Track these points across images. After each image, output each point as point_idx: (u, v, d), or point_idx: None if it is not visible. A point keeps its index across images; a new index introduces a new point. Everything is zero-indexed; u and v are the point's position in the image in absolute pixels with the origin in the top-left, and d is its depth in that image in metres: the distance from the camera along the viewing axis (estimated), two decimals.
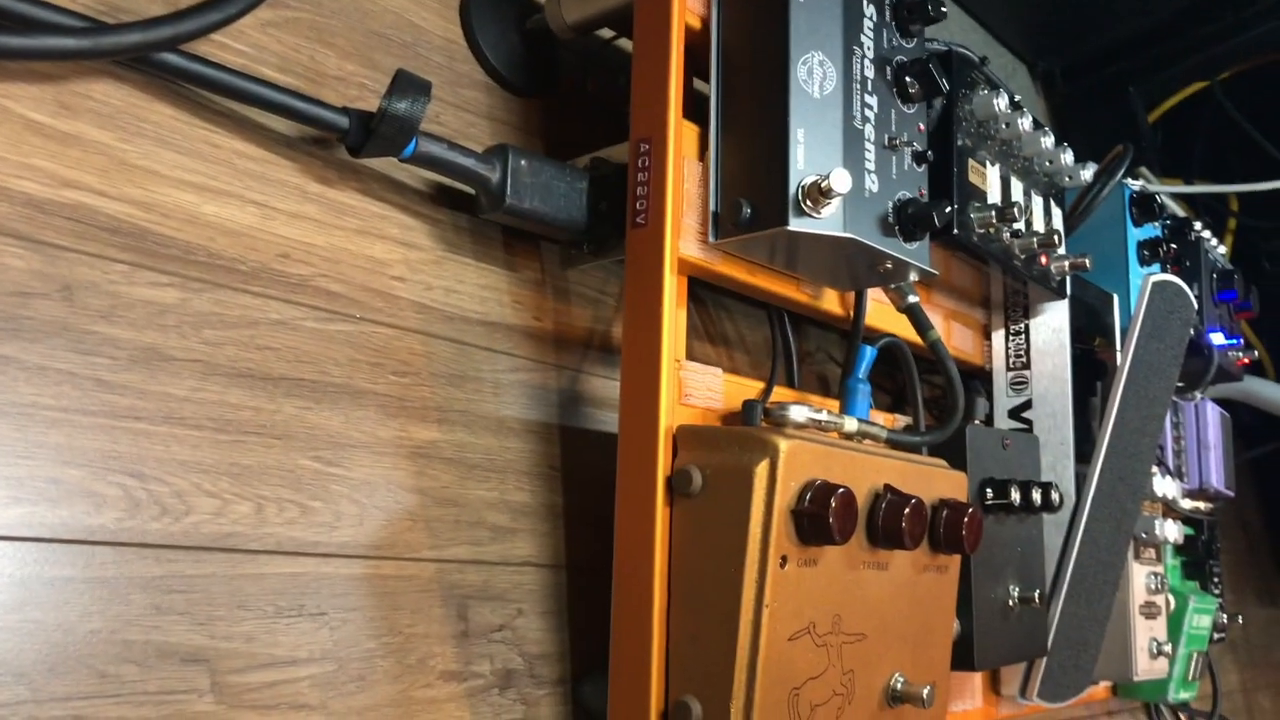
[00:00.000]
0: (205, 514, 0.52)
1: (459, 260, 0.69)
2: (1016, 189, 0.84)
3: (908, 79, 0.70)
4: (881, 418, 0.83)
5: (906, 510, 0.65)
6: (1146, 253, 1.07)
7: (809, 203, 0.63)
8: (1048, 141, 0.84)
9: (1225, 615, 1.25)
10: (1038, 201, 0.88)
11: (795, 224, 0.63)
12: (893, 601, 0.68)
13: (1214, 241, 1.26)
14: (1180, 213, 1.27)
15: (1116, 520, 0.93)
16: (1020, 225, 0.83)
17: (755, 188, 0.65)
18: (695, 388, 0.65)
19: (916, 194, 0.71)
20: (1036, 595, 0.81)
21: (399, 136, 0.60)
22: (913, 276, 0.73)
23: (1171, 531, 1.03)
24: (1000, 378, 0.95)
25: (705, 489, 0.61)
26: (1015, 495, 0.79)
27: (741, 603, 0.58)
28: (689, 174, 0.66)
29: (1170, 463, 1.14)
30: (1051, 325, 0.93)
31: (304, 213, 0.61)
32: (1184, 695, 1.12)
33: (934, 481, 0.71)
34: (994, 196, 0.81)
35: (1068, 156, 0.87)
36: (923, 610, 0.71)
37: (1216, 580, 1.25)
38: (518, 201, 0.65)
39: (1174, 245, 1.09)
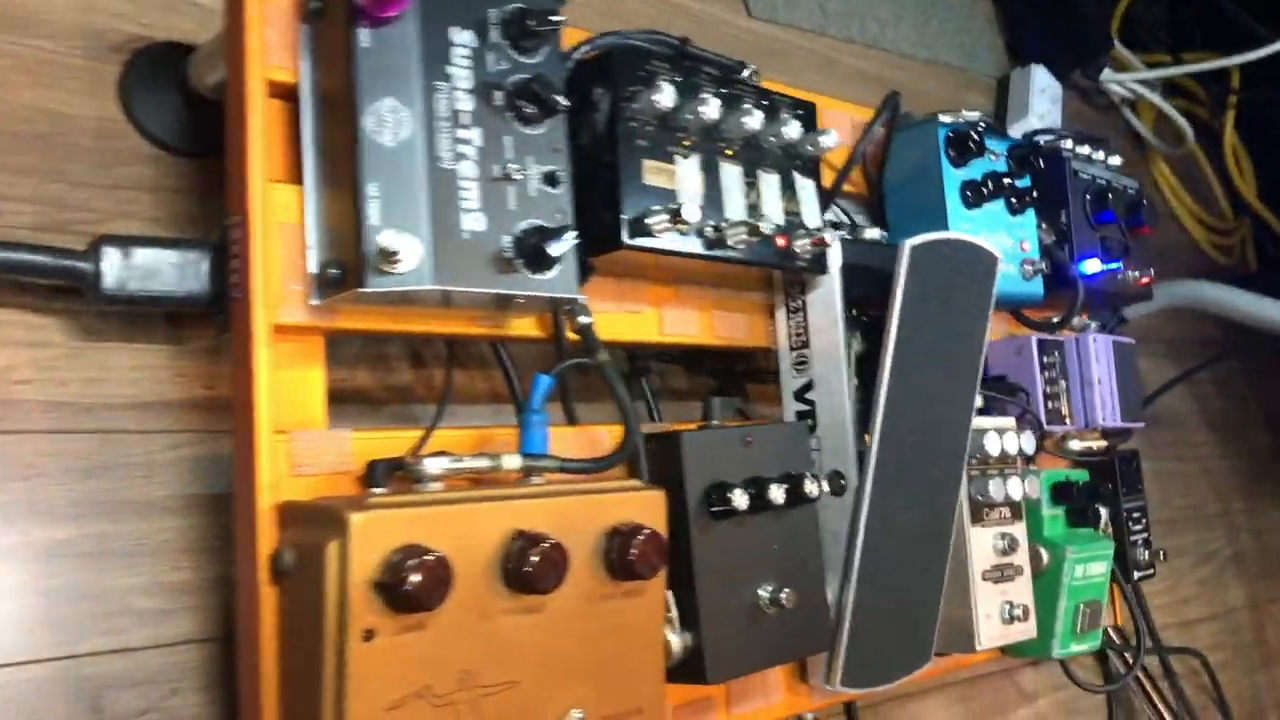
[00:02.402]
0: None
1: (103, 347, 0.70)
2: (730, 175, 0.80)
3: (520, 101, 0.67)
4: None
5: (535, 556, 0.63)
6: (970, 194, 0.99)
7: (384, 261, 0.61)
8: (752, 120, 0.79)
9: (1148, 551, 1.18)
10: (770, 180, 0.83)
11: (373, 283, 0.62)
12: (556, 640, 0.67)
13: (1099, 155, 1.16)
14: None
15: (922, 493, 0.89)
16: (736, 214, 0.79)
17: (340, 248, 0.64)
18: (311, 456, 0.65)
19: (554, 218, 0.68)
20: (784, 596, 0.78)
21: None
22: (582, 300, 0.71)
23: (1015, 489, 0.97)
24: (785, 359, 0.91)
25: (297, 568, 0.61)
26: (740, 498, 0.76)
27: (323, 682, 0.58)
28: (289, 239, 0.65)
29: (1041, 409, 1.07)
30: (824, 300, 0.88)
31: None
32: (1077, 648, 1.06)
33: (607, 509, 0.69)
34: (692, 190, 0.77)
35: (791, 128, 0.82)
36: (609, 640, 0.70)
37: (1138, 516, 1.18)
38: (118, 290, 0.65)
39: (1008, 180, 1.01)
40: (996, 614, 0.97)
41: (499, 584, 0.64)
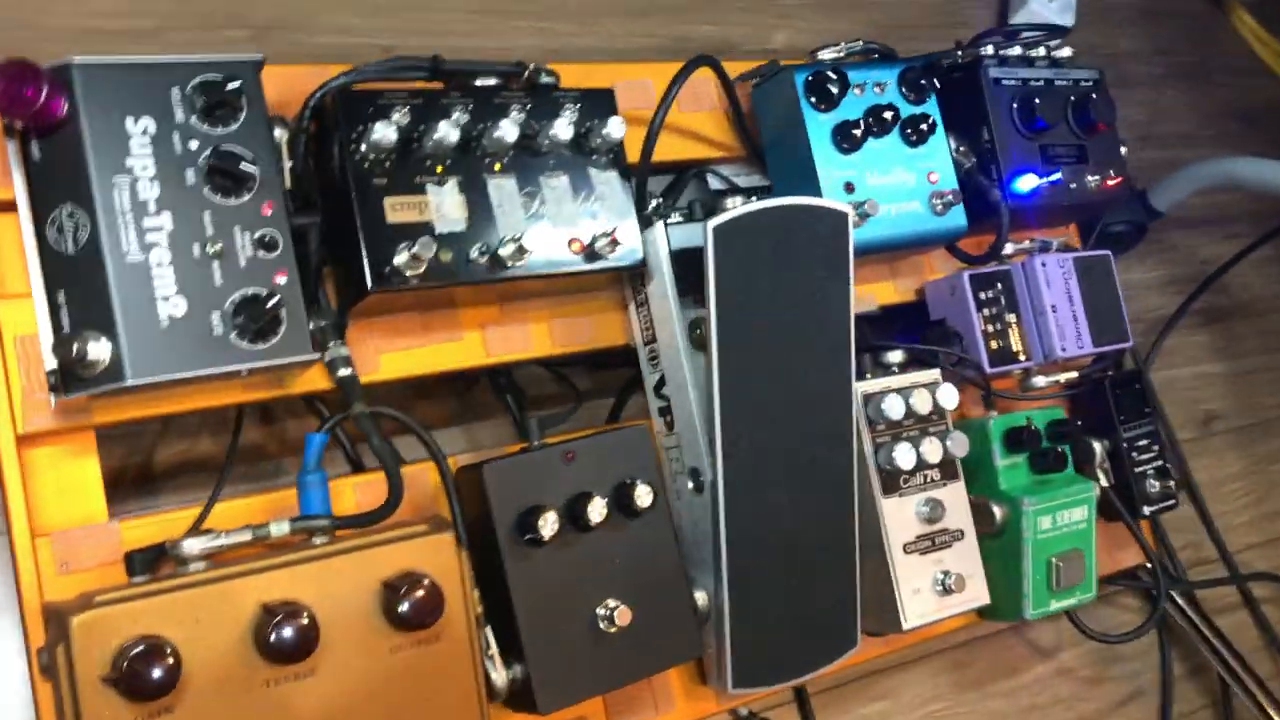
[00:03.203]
0: None
1: None
2: (502, 190, 0.77)
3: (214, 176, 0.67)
4: None
5: (280, 627, 0.64)
6: (844, 138, 0.91)
7: (80, 366, 0.63)
8: (506, 133, 0.75)
9: (1163, 481, 1.06)
10: (558, 184, 0.79)
11: (75, 389, 0.64)
12: (339, 700, 0.67)
13: (1038, 51, 1.03)
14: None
15: (801, 473, 0.83)
16: (512, 230, 0.76)
17: (55, 355, 0.66)
18: (77, 554, 0.68)
19: (272, 283, 0.68)
20: (618, 613, 0.75)
21: None
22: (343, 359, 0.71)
23: (932, 450, 0.89)
24: (642, 355, 0.87)
25: (50, 668, 0.64)
26: (548, 524, 0.73)
27: None
28: (27, 350, 0.68)
29: (983, 351, 0.97)
30: (659, 292, 0.83)
31: None
32: (1059, 604, 0.97)
33: (383, 561, 0.69)
34: (453, 216, 0.74)
35: (562, 127, 0.77)
36: (405, 690, 0.69)
37: (1145, 444, 1.06)
38: None
39: (890, 114, 0.91)
40: (928, 587, 0.90)
41: (256, 656, 0.65)
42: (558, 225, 0.78)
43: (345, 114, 0.72)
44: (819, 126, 0.91)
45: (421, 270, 0.72)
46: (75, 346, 0.62)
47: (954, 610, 0.90)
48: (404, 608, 0.68)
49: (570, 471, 0.77)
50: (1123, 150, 1.07)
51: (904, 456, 0.88)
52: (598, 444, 0.79)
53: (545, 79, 0.82)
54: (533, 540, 0.74)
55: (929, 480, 0.91)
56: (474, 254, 0.74)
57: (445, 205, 0.75)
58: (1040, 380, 1.01)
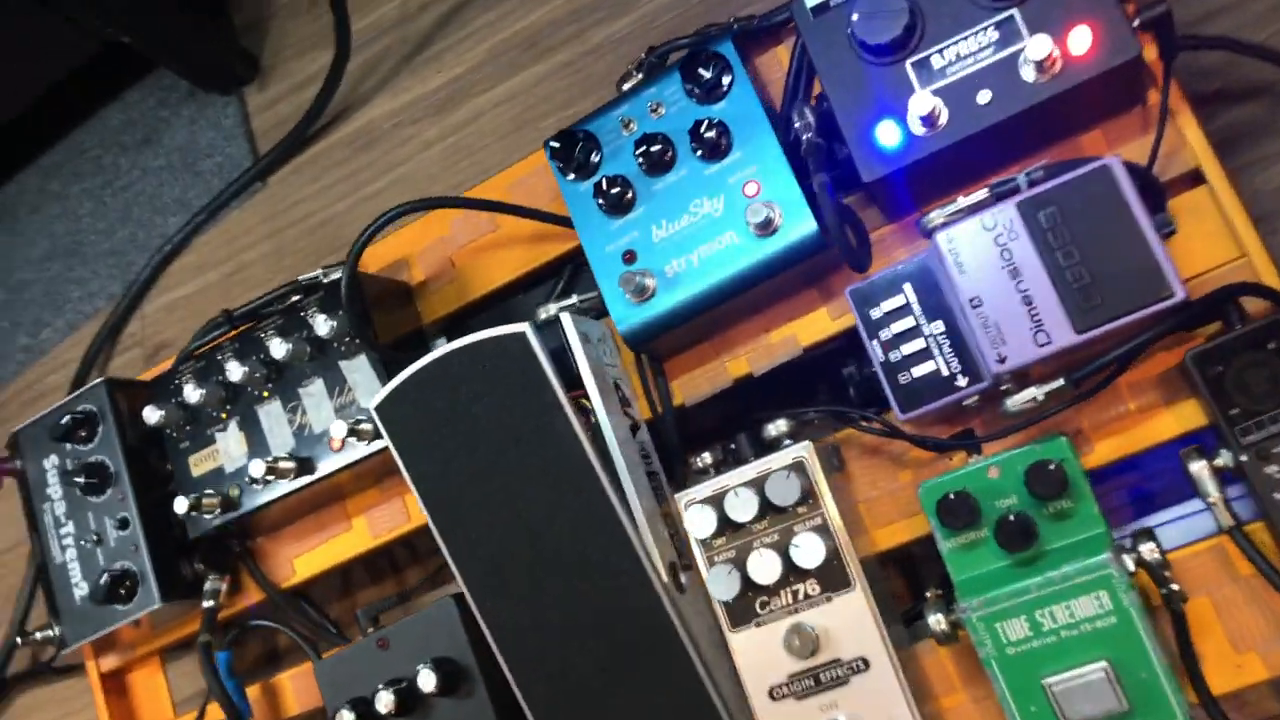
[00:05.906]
0: None
1: None
2: (269, 414, 0.83)
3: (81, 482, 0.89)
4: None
5: None
6: (606, 200, 0.74)
7: (51, 646, 0.91)
8: (231, 371, 0.82)
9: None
10: (313, 390, 0.82)
11: (59, 658, 0.92)
12: None
13: None
14: None
15: (599, 620, 0.72)
16: (279, 448, 0.83)
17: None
18: None
19: (130, 553, 0.88)
20: None
21: None
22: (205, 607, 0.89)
23: (764, 567, 0.67)
24: None
25: None
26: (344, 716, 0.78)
27: None
28: None
29: (888, 389, 0.68)
30: None
31: None
32: None
33: None
34: (236, 452, 0.84)
35: (278, 345, 0.81)
36: None
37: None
38: None
39: (659, 141, 0.72)
40: None
41: None
42: (319, 429, 0.82)
43: (150, 402, 0.88)
44: (579, 198, 0.76)
45: (217, 512, 0.84)
46: (38, 634, 0.90)
47: None
48: None
49: (389, 658, 0.80)
50: None
51: (721, 584, 0.69)
52: (409, 627, 0.80)
53: (331, 278, 0.86)
54: None
55: (801, 598, 0.69)
56: (247, 483, 0.84)
57: (230, 445, 0.85)
58: (1017, 400, 0.66)
